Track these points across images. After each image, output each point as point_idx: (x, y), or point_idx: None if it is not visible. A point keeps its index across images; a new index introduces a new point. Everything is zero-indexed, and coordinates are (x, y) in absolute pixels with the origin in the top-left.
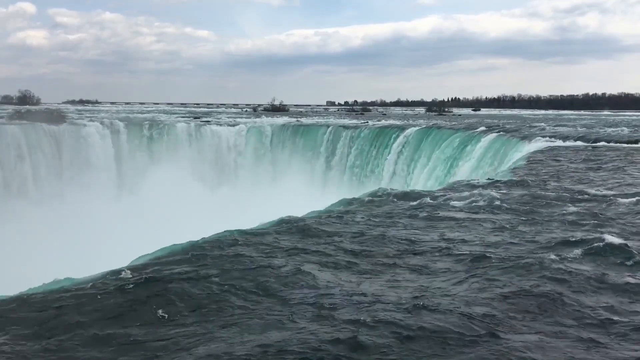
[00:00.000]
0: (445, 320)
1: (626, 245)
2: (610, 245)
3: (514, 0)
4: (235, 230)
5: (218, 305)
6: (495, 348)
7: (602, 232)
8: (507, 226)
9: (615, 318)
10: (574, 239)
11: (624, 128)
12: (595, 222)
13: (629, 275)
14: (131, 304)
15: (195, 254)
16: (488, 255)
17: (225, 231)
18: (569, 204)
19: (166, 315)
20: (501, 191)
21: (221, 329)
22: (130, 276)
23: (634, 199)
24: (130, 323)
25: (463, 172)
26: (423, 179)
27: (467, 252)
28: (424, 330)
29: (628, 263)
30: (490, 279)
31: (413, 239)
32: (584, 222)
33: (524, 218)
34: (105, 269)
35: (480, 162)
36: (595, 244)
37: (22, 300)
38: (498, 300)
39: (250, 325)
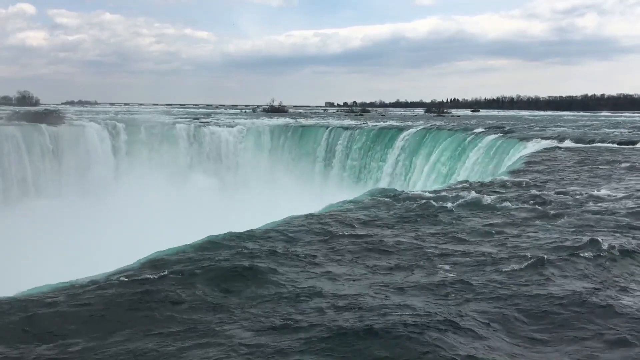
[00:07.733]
0: (444, 321)
1: (626, 246)
2: (611, 247)
3: (513, 2)
4: (234, 232)
5: (213, 306)
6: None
7: (601, 233)
8: (505, 227)
9: (617, 319)
10: (572, 240)
11: (623, 130)
12: (594, 222)
13: (630, 276)
14: (128, 307)
15: (192, 256)
16: (485, 256)
17: (223, 233)
18: (567, 205)
19: (163, 318)
20: (499, 192)
21: (215, 333)
22: (128, 279)
23: (631, 200)
24: (127, 325)
25: (462, 173)
26: (422, 179)
27: (464, 252)
28: (421, 332)
29: (628, 263)
30: (486, 280)
31: (411, 240)
32: (582, 223)
33: (521, 219)
34: (103, 271)
35: (479, 163)
36: (595, 245)
37: (18, 302)
38: (495, 303)
39: (247, 327)
